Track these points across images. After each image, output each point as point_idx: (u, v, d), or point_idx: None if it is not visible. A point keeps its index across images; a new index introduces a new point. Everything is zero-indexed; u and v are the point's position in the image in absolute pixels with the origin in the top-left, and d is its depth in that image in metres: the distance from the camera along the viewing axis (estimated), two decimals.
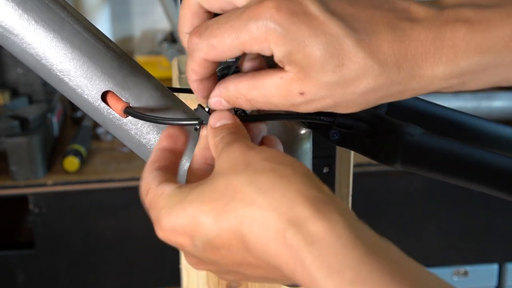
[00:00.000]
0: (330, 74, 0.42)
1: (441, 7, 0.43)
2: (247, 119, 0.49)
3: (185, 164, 0.55)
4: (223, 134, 0.46)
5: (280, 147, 0.49)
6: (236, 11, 0.44)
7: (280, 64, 0.44)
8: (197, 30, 0.45)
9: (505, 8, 0.42)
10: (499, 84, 0.44)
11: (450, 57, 0.42)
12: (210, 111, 0.48)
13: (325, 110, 0.45)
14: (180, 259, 0.79)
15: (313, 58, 0.42)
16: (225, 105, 0.47)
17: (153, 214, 0.45)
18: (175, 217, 0.42)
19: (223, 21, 0.44)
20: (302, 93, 0.43)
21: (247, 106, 0.46)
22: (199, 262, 0.45)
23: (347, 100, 0.44)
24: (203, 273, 0.78)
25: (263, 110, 0.50)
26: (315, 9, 0.42)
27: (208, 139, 0.47)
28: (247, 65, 0.47)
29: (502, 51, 0.42)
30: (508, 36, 0.42)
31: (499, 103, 1.80)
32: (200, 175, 0.47)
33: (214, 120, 0.47)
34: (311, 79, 0.43)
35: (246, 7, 0.43)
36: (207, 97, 0.48)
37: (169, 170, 0.47)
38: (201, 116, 0.48)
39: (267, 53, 0.43)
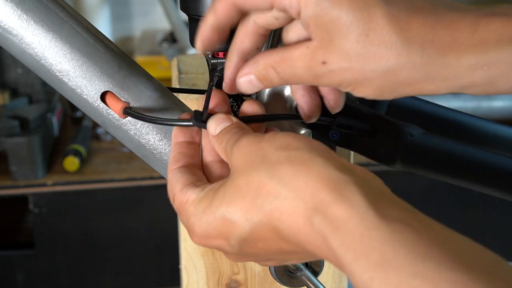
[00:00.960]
0: (353, 43, 0.42)
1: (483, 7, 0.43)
2: (247, 120, 0.48)
3: None
4: (228, 136, 0.46)
5: None
6: None
7: (305, 30, 0.44)
8: None
9: None
10: None
11: (478, 48, 0.41)
12: (206, 119, 0.48)
13: (345, 88, 0.45)
14: (180, 259, 0.79)
15: (339, 22, 0.42)
16: (255, 84, 0.47)
17: (183, 221, 0.46)
18: (206, 223, 0.43)
19: None
20: (324, 62, 0.43)
21: (276, 80, 0.46)
22: (238, 257, 0.45)
23: (365, 78, 0.43)
24: (203, 273, 0.78)
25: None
26: None
27: (214, 147, 0.47)
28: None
29: None
30: None
31: (499, 103, 1.80)
32: (215, 170, 0.48)
33: (214, 127, 0.47)
34: (334, 47, 0.42)
35: None
36: (207, 49, 0.48)
37: (191, 167, 0.48)
38: (197, 126, 0.48)
39: (294, 11, 0.43)
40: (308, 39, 0.44)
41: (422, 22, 0.42)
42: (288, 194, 0.39)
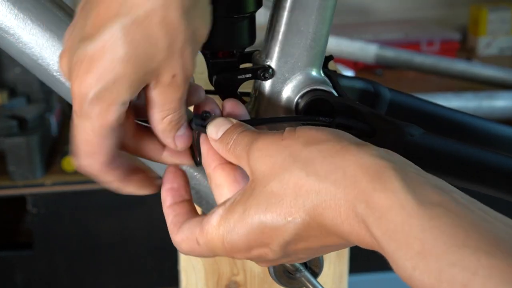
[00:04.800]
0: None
1: None
2: (245, 123, 0.48)
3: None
4: (233, 137, 0.45)
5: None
6: None
7: None
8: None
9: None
10: None
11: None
12: (206, 123, 0.47)
13: None
14: (179, 260, 0.79)
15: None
16: None
17: (218, 248, 0.44)
18: (244, 236, 0.42)
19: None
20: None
21: None
22: (276, 261, 0.45)
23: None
24: (202, 275, 0.78)
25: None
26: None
27: (218, 151, 0.46)
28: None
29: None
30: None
31: (500, 103, 1.80)
32: (224, 174, 0.46)
33: (215, 131, 0.47)
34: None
35: None
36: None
37: (193, 215, 0.48)
38: (198, 129, 0.48)
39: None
40: None
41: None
42: (329, 188, 0.39)
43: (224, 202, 0.44)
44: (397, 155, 0.41)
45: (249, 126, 0.46)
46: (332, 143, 0.41)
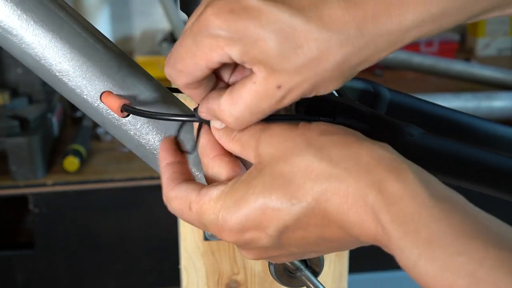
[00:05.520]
0: (293, 59, 0.41)
1: None
2: None
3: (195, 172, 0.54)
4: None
5: None
6: (185, 30, 0.43)
7: (246, 66, 0.42)
8: (166, 61, 0.44)
9: None
10: (479, 17, 0.41)
11: (419, 2, 0.39)
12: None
13: (309, 95, 0.44)
14: (180, 259, 0.79)
15: (269, 49, 0.40)
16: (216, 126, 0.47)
17: (209, 222, 0.44)
18: (243, 215, 0.42)
19: (179, 44, 0.43)
20: (279, 87, 0.42)
21: (234, 123, 0.44)
22: (269, 251, 0.44)
23: (323, 79, 0.42)
24: (203, 274, 0.78)
25: None
26: (253, 2, 0.40)
27: (221, 141, 0.46)
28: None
29: None
30: None
31: (499, 103, 1.80)
32: (224, 165, 0.46)
33: (218, 122, 0.46)
34: (279, 70, 0.41)
35: (191, 23, 0.42)
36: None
37: (192, 180, 0.47)
38: (201, 121, 0.48)
39: (228, 59, 0.42)
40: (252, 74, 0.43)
41: (344, 6, 0.40)
42: (340, 174, 0.39)
43: (227, 181, 0.44)
44: (417, 166, 0.41)
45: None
46: (346, 136, 0.42)
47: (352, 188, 0.39)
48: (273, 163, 0.42)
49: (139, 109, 0.52)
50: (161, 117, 0.52)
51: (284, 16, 0.40)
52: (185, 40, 0.42)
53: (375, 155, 0.39)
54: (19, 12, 0.52)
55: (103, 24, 2.08)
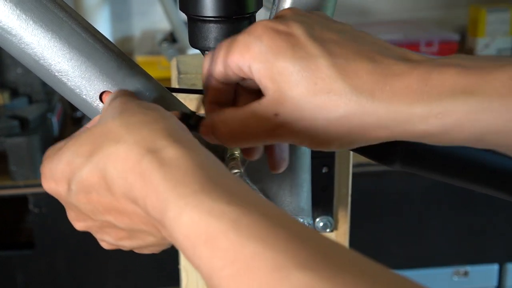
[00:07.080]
0: (303, 92, 0.43)
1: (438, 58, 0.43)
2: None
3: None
4: (112, 97, 0.48)
5: None
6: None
7: (258, 84, 0.45)
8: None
9: (499, 61, 0.41)
10: (485, 136, 0.41)
11: (432, 95, 0.40)
12: (197, 123, 0.49)
13: (297, 142, 0.45)
14: (180, 259, 0.79)
15: (286, 72, 0.43)
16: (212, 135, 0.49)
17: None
18: (55, 164, 0.44)
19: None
20: (276, 114, 0.44)
21: (226, 139, 0.48)
22: (78, 216, 0.46)
23: (318, 128, 0.44)
24: None
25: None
26: (299, 32, 0.44)
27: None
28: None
29: (491, 96, 0.39)
30: (500, 82, 0.39)
31: None
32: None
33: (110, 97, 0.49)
34: (285, 98, 0.43)
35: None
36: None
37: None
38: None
39: (247, 70, 0.45)
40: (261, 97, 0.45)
41: (371, 70, 0.42)
42: (129, 138, 0.40)
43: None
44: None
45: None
46: (159, 113, 0.43)
47: (133, 153, 0.39)
48: (95, 125, 0.44)
49: None
50: None
51: (316, 52, 0.44)
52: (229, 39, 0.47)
53: (170, 130, 0.41)
54: (18, 12, 0.52)
55: (103, 24, 2.08)
